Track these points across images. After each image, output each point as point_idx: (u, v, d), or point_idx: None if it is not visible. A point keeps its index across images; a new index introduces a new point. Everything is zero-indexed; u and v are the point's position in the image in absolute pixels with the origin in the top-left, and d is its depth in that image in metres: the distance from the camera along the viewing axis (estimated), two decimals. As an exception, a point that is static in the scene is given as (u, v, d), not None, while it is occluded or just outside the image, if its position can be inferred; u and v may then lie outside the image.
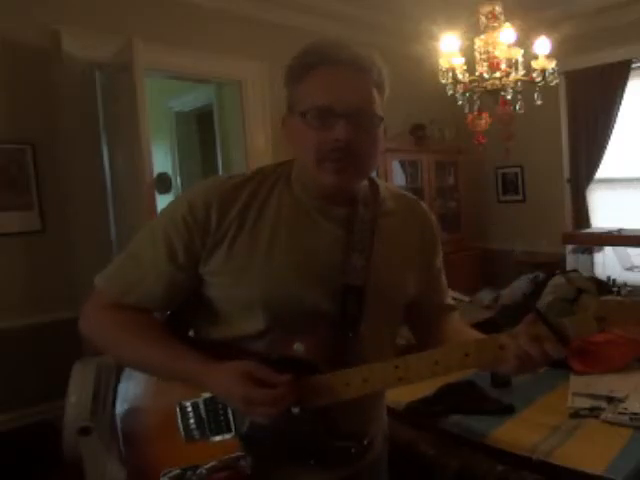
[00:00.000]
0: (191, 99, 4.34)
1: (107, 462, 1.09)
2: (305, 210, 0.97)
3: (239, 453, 0.94)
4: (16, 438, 2.41)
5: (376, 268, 0.97)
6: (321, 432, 0.92)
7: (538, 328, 0.86)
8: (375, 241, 0.99)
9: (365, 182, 1.05)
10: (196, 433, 0.96)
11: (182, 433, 0.97)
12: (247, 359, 0.90)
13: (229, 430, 0.95)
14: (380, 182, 1.08)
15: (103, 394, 1.11)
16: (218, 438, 0.95)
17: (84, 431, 1.10)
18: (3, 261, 2.61)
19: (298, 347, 0.91)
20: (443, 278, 1.14)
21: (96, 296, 1.01)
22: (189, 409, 0.97)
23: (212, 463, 0.94)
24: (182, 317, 1.05)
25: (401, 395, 1.20)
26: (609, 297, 0.87)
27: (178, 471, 0.96)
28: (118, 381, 1.06)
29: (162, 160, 4.49)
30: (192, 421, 0.96)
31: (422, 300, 1.08)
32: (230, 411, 0.94)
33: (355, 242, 0.97)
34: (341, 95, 0.90)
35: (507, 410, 1.57)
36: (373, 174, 1.08)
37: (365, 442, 0.95)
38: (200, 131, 4.62)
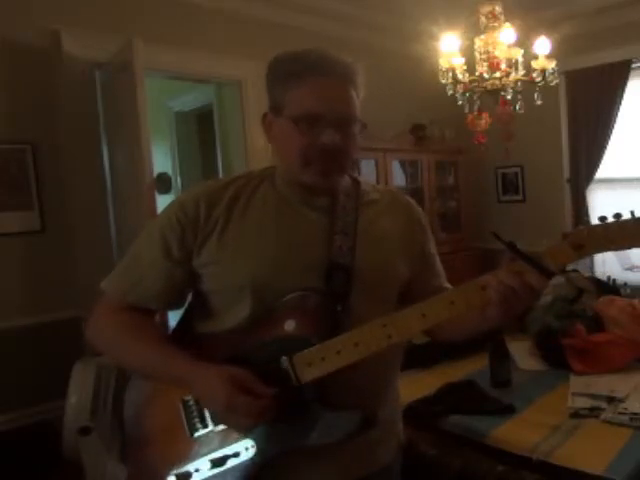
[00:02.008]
0: (191, 99, 4.33)
1: (107, 462, 1.09)
2: (289, 202, 1.04)
3: (242, 440, 0.95)
4: (16, 438, 2.41)
5: (362, 249, 1.02)
6: (317, 406, 0.93)
7: (518, 265, 0.88)
8: (359, 225, 1.04)
9: (346, 177, 1.11)
10: (199, 426, 0.98)
11: (186, 428, 0.99)
12: (240, 354, 0.93)
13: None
14: (361, 179, 1.15)
15: (103, 394, 1.12)
16: (220, 427, 0.97)
17: (84, 431, 1.10)
18: (3, 261, 2.61)
19: (289, 324, 0.95)
20: (438, 262, 1.18)
21: (101, 300, 1.06)
22: (191, 403, 0.99)
23: (214, 454, 0.96)
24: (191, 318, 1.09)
25: (402, 395, 1.20)
26: (581, 227, 0.89)
27: (184, 468, 0.97)
28: (124, 385, 1.08)
29: (162, 160, 4.48)
30: (195, 414, 0.99)
31: (419, 284, 1.11)
32: None
33: (339, 226, 1.02)
34: (331, 105, 0.97)
35: (507, 410, 1.58)
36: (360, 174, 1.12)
37: (367, 414, 0.94)
38: (200, 131, 4.62)
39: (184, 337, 1.06)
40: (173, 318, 1.28)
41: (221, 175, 3.76)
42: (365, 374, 0.97)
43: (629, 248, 0.85)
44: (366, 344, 0.91)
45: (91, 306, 1.09)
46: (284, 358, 0.93)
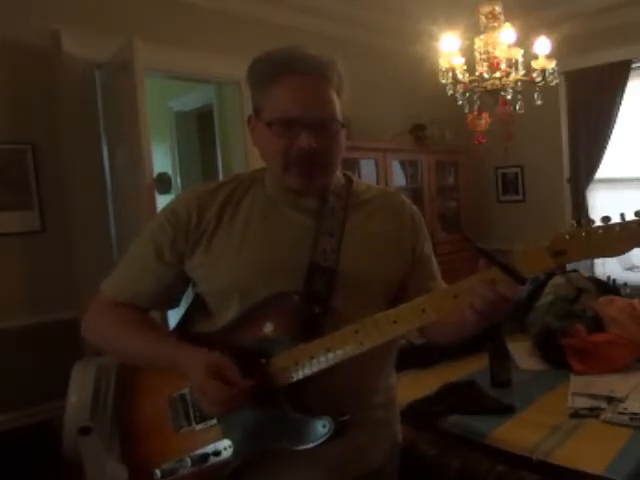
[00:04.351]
0: (191, 99, 4.33)
1: (107, 462, 1.09)
2: (276, 205, 1.04)
3: (221, 440, 0.96)
4: (16, 438, 2.41)
5: (347, 250, 1.01)
6: (290, 410, 0.93)
7: (493, 272, 0.85)
8: (347, 227, 1.03)
9: (339, 176, 1.10)
10: (184, 423, 1.00)
11: (172, 425, 1.01)
12: (226, 353, 0.93)
13: (211, 416, 0.97)
14: (355, 178, 1.14)
15: (103, 394, 1.12)
16: (202, 426, 0.98)
17: (84, 431, 1.11)
18: (3, 261, 2.61)
19: (268, 327, 0.95)
20: (433, 264, 1.15)
21: (96, 299, 1.09)
22: (177, 400, 1.01)
23: (196, 452, 0.97)
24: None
25: (402, 395, 1.20)
26: (563, 230, 0.80)
27: (168, 464, 0.99)
28: (124, 384, 1.09)
29: (162, 160, 4.48)
30: (180, 412, 1.00)
31: (412, 286, 1.09)
32: None
33: (325, 228, 1.02)
34: (306, 107, 0.95)
35: (507, 410, 1.57)
36: (359, 173, 1.11)
37: (342, 419, 0.92)
38: (200, 131, 4.62)
39: (182, 336, 1.07)
40: (173, 318, 1.29)
41: (221, 175, 3.76)
42: (346, 377, 0.96)
43: (615, 255, 0.78)
44: (338, 350, 0.90)
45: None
46: (262, 361, 0.94)
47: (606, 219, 0.78)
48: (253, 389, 0.90)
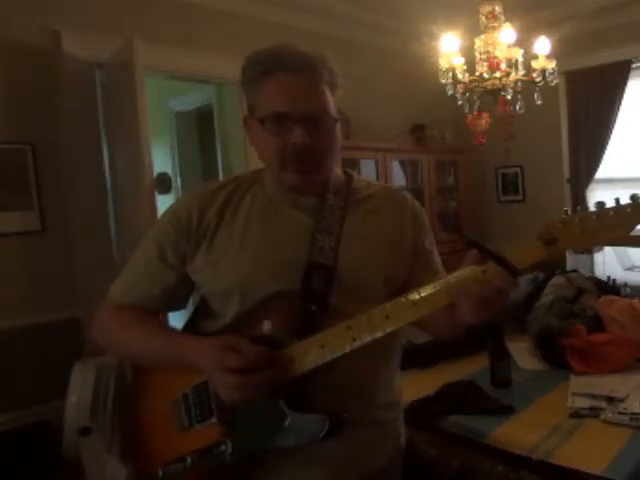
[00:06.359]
0: (191, 99, 4.33)
1: (107, 462, 1.09)
2: (276, 204, 1.04)
3: (219, 438, 0.97)
4: (16, 438, 2.41)
5: (346, 248, 1.01)
6: (286, 408, 0.92)
7: (485, 265, 0.83)
8: (346, 224, 1.03)
9: (340, 173, 1.10)
10: (186, 423, 1.01)
11: (175, 425, 1.02)
12: None
13: (211, 415, 0.98)
14: (356, 175, 1.13)
15: (103, 394, 1.12)
16: (202, 425, 0.99)
17: (84, 431, 1.10)
18: (3, 261, 2.61)
19: (266, 325, 0.95)
20: (435, 259, 1.14)
21: (104, 302, 1.10)
22: (180, 401, 1.01)
23: (196, 451, 0.98)
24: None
25: (402, 395, 1.20)
26: (553, 219, 0.77)
27: (171, 464, 1.00)
28: (124, 385, 1.10)
29: (162, 160, 4.48)
30: (182, 412, 1.01)
31: (415, 282, 1.05)
32: (213, 396, 0.97)
33: (324, 226, 1.01)
34: (297, 102, 0.95)
35: (507, 410, 1.57)
36: (363, 170, 1.11)
37: (337, 417, 0.91)
38: (200, 131, 4.62)
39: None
40: (174, 319, 1.29)
41: (221, 175, 3.76)
42: (348, 376, 0.96)
43: (610, 243, 0.77)
44: (331, 346, 0.90)
45: (91, 306, 1.12)
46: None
47: (600, 205, 0.75)
48: (268, 356, 0.89)
